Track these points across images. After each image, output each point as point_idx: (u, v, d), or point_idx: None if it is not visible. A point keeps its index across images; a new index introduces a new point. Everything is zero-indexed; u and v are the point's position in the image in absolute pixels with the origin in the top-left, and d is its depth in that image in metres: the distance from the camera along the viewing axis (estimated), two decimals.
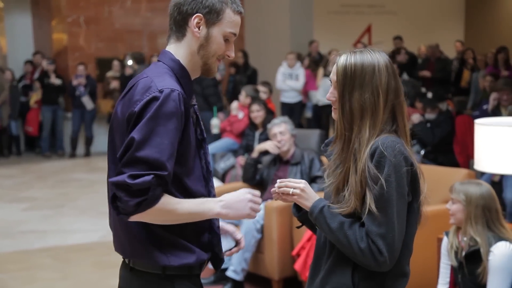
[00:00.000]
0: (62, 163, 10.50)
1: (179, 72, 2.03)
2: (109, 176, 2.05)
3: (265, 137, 6.17)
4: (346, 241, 1.93)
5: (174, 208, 1.92)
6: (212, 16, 2.00)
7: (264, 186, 5.25)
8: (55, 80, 10.98)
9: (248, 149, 6.43)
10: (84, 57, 11.90)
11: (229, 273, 4.78)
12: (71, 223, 6.88)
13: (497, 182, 5.59)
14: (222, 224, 2.21)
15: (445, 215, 3.54)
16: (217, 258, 2.12)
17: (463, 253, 3.32)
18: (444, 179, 4.42)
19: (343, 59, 2.01)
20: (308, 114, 10.28)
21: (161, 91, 1.89)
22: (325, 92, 9.38)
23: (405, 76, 10.19)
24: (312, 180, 4.90)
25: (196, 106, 2.10)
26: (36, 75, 11.38)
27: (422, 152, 6.64)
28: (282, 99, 9.77)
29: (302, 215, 2.14)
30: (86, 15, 12.13)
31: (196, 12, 1.99)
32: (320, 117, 10.09)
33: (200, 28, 2.01)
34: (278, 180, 2.11)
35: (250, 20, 12.38)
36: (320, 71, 9.82)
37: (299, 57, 10.19)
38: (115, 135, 2.01)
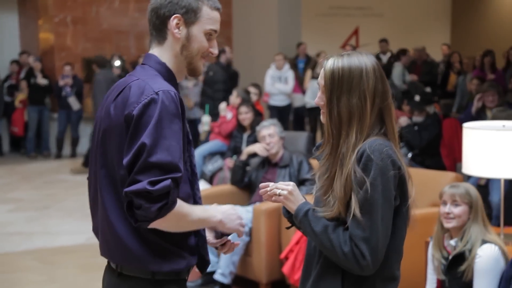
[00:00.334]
0: (47, 164, 10.43)
1: (166, 75, 2.03)
2: (97, 180, 2.03)
3: (253, 139, 6.17)
4: (330, 244, 1.92)
5: (188, 212, 1.93)
6: (190, 16, 2.01)
7: (252, 189, 5.24)
8: (41, 80, 10.90)
9: (236, 151, 6.42)
10: (71, 57, 11.82)
11: (216, 276, 4.76)
12: (57, 225, 6.83)
13: (483, 186, 5.62)
14: None
15: (433, 218, 3.54)
16: (203, 261, 2.12)
17: (450, 257, 3.32)
18: (432, 182, 4.43)
19: (330, 63, 2.00)
20: (291, 116, 10.28)
21: (157, 93, 1.89)
22: (313, 94, 9.40)
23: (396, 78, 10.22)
24: (300, 182, 4.90)
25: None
26: (22, 74, 11.30)
27: (410, 155, 6.67)
28: (271, 102, 9.74)
29: (291, 216, 2.13)
30: (73, 15, 12.06)
31: (174, 14, 2.00)
32: (302, 119, 10.11)
33: (180, 28, 2.02)
34: (269, 184, 2.10)
35: (238, 22, 12.38)
36: (308, 73, 9.82)
37: (290, 60, 10.17)
38: (108, 139, 1.98)
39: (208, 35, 2.05)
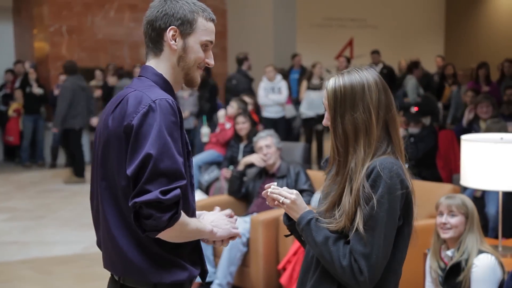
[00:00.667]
0: (42, 173, 10.39)
1: (163, 85, 2.04)
2: (99, 192, 2.03)
3: (249, 149, 6.18)
4: (329, 256, 1.93)
5: (188, 222, 1.94)
6: (186, 27, 2.03)
7: (249, 199, 5.25)
8: (36, 90, 10.89)
9: (233, 161, 6.43)
10: None
11: (214, 287, 4.76)
12: (52, 234, 6.81)
13: (479, 198, 5.64)
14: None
15: (431, 230, 3.56)
16: (202, 270, 2.13)
17: (447, 268, 3.34)
18: (430, 194, 4.45)
19: (332, 83, 2.02)
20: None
21: (155, 101, 1.90)
22: (308, 105, 9.43)
23: None
24: None
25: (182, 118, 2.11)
26: (17, 84, 11.28)
27: (406, 166, 6.69)
28: (265, 114, 9.66)
29: (291, 224, 2.14)
30: (68, 25, 12.07)
31: (170, 26, 2.02)
32: (291, 130, 10.11)
33: (176, 40, 2.04)
34: (272, 185, 2.10)
35: (233, 33, 12.42)
36: (304, 84, 9.84)
37: (281, 71, 10.15)
38: (108, 151, 1.99)
39: (204, 46, 2.07)
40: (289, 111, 9.94)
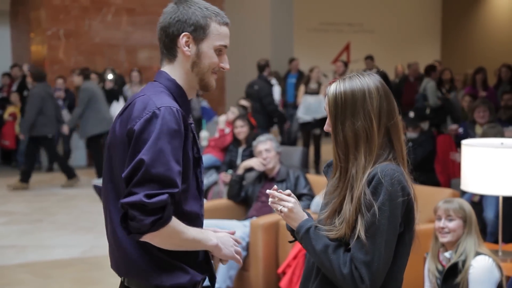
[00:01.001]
0: (39, 177, 10.37)
1: (176, 91, 2.05)
2: (107, 194, 2.05)
3: (248, 153, 6.18)
4: (329, 264, 1.93)
5: (182, 230, 1.93)
6: (199, 33, 2.03)
7: (249, 203, 5.25)
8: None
9: (231, 165, 6.43)
10: (63, 71, 11.82)
11: None
12: (50, 238, 6.79)
13: (477, 203, 5.66)
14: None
15: (431, 235, 3.57)
16: (211, 275, 2.14)
17: (445, 270, 3.35)
18: (429, 199, 4.46)
19: (333, 88, 2.01)
20: None
21: (159, 108, 1.91)
22: (305, 109, 9.43)
23: None
24: (297, 197, 4.91)
25: (193, 124, 2.11)
26: (14, 87, 11.26)
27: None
28: None
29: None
30: (65, 28, 12.06)
31: (183, 32, 2.02)
32: (282, 134, 10.10)
33: (190, 46, 2.04)
34: (273, 189, 2.10)
35: (230, 37, 12.42)
36: (301, 88, 9.85)
37: (276, 74, 10.09)
38: (113, 153, 2.01)
39: (218, 50, 2.07)
40: None
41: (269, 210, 4.89)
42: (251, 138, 6.33)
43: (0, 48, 12.61)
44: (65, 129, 9.63)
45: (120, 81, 11.08)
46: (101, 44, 12.34)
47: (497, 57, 12.65)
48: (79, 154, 11.41)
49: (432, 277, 3.43)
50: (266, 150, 5.15)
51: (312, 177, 5.35)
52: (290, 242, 2.28)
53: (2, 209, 8.20)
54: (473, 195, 5.58)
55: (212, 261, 2.14)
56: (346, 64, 11.01)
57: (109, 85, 10.75)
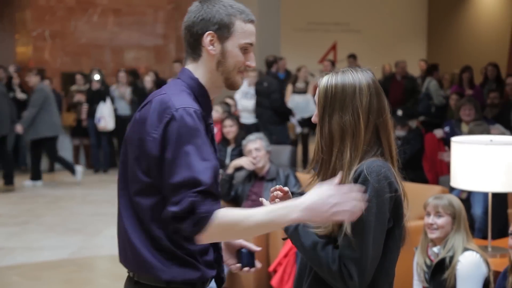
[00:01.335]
0: (25, 179, 10.29)
1: (198, 90, 2.03)
2: (119, 188, 2.05)
3: (237, 153, 6.18)
4: (318, 261, 1.93)
5: (236, 222, 1.86)
6: (223, 31, 2.02)
7: (238, 203, 5.25)
8: (20, 95, 10.80)
9: (220, 164, 6.42)
10: (49, 72, 11.75)
11: None
12: (38, 240, 6.75)
13: (465, 200, 5.70)
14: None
15: (420, 232, 3.59)
16: (219, 277, 2.13)
17: (433, 265, 3.38)
18: (419, 195, 4.47)
19: (325, 81, 2.01)
20: None
21: (177, 110, 1.90)
22: (293, 108, 9.44)
23: None
24: None
25: (212, 125, 2.10)
26: None
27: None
28: (241, 119, 9.39)
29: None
30: (51, 29, 12.01)
31: (207, 31, 2.01)
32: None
33: (214, 45, 2.02)
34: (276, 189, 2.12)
35: None
36: (289, 88, 9.85)
37: (259, 74, 10.02)
38: (128, 149, 2.02)
39: (244, 49, 2.05)
40: None
41: None
42: (240, 137, 6.33)
43: None
44: (19, 128, 9.52)
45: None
46: (87, 44, 12.30)
47: (483, 56, 12.75)
48: (64, 155, 11.32)
49: (421, 271, 3.46)
50: (256, 149, 5.15)
51: (302, 175, 5.36)
52: (284, 239, 2.28)
53: None
54: (461, 192, 5.61)
55: (222, 261, 2.12)
56: (333, 63, 11.03)
57: (95, 86, 10.70)
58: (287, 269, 4.40)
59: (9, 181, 9.36)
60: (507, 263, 3.30)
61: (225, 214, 1.85)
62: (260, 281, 4.74)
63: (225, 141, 6.56)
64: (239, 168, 5.33)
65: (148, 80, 10.45)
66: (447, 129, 6.89)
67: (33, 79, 9.83)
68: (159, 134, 1.90)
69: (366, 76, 2.01)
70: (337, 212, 1.79)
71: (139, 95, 10.06)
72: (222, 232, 1.87)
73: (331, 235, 1.94)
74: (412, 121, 7.03)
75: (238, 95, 9.29)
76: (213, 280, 2.11)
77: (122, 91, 10.86)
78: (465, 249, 3.31)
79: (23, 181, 9.77)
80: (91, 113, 10.52)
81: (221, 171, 6.29)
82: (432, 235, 3.40)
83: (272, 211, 1.86)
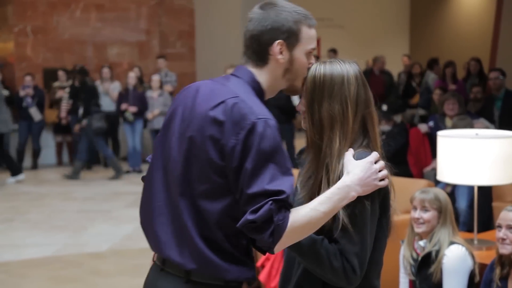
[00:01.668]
0: (8, 176, 10.22)
1: (259, 94, 2.00)
2: (176, 184, 1.97)
3: None
4: (317, 259, 1.92)
5: (306, 220, 1.85)
6: (292, 40, 1.98)
7: None
8: (2, 91, 10.70)
9: None
10: (32, 68, 11.65)
11: None
12: (23, 237, 6.70)
13: (449, 193, 5.75)
14: None
15: (406, 225, 3.62)
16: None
17: (419, 259, 3.40)
18: (405, 189, 4.50)
19: (312, 69, 2.02)
20: None
21: (259, 119, 1.86)
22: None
23: None
24: None
25: None
26: None
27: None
28: None
29: None
30: (33, 25, 11.90)
31: (276, 40, 1.97)
32: None
33: (283, 53, 1.99)
34: None
35: (201, 32, 12.40)
36: None
37: None
38: (194, 146, 1.93)
39: (308, 53, 2.03)
40: None
41: None
42: None
43: None
44: None
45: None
46: (69, 40, 12.21)
47: (465, 51, 12.83)
48: (48, 152, 11.27)
49: (407, 264, 3.48)
50: None
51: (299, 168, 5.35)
52: None
53: None
54: (446, 186, 5.66)
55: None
56: (317, 58, 11.01)
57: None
58: (274, 264, 4.41)
59: None
60: (493, 255, 3.34)
61: (295, 219, 1.84)
62: None
63: None
64: None
65: (132, 76, 10.40)
66: (431, 123, 6.94)
67: None
68: (240, 140, 1.84)
69: (354, 68, 2.04)
70: (378, 178, 1.92)
71: (87, 92, 9.91)
72: (296, 234, 1.86)
73: (324, 228, 1.94)
74: (397, 115, 7.07)
75: None
76: None
77: (107, 87, 10.81)
78: (451, 243, 3.34)
79: (6, 179, 9.70)
80: (75, 109, 10.45)
81: None
82: (419, 229, 3.43)
83: (330, 198, 1.88)
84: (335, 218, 1.91)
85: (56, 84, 11.24)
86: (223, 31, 11.68)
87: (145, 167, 10.66)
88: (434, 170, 6.10)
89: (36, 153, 11.00)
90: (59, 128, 11.11)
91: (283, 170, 1.85)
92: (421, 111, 9.43)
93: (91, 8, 12.26)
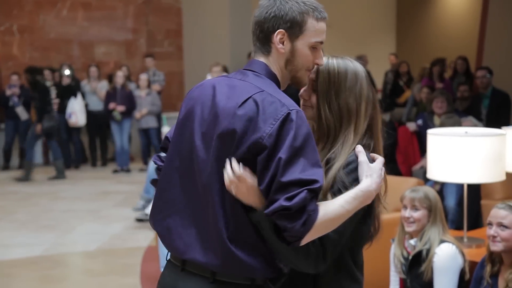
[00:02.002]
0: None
1: (278, 86, 1.99)
2: (209, 181, 1.91)
3: None
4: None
5: (336, 214, 1.85)
6: (295, 30, 1.95)
7: None
8: None
9: None
10: (18, 67, 11.56)
11: None
12: (11, 237, 6.66)
13: (438, 192, 5.77)
14: None
15: (396, 224, 3.63)
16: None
17: (410, 257, 3.42)
18: (395, 188, 4.51)
19: (325, 61, 2.03)
20: None
21: (291, 110, 1.84)
22: None
23: None
24: None
25: None
26: None
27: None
28: None
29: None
30: (19, 24, 11.82)
31: (278, 29, 1.95)
32: None
33: (284, 43, 1.97)
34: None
35: (189, 31, 12.37)
36: None
37: (224, 69, 9.91)
38: (222, 145, 1.88)
39: (313, 47, 1.99)
40: None
41: None
42: None
43: None
44: None
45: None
46: (56, 39, 12.13)
47: (452, 50, 12.89)
48: (35, 152, 11.18)
49: (398, 262, 3.50)
50: None
51: None
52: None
53: None
54: (434, 184, 5.69)
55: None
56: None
57: (66, 81, 10.59)
58: None
59: None
60: (483, 253, 3.36)
61: (325, 212, 1.83)
62: None
63: None
64: None
65: (120, 75, 10.36)
66: (419, 122, 6.97)
67: None
68: (274, 131, 1.82)
69: (362, 67, 2.06)
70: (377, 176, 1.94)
71: (41, 92, 9.83)
72: (323, 229, 1.84)
73: None
74: (386, 114, 7.10)
75: None
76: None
77: (94, 86, 10.77)
78: (442, 241, 3.35)
79: None
80: (62, 108, 10.39)
81: None
82: (409, 228, 3.44)
83: (356, 199, 1.88)
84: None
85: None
86: (211, 30, 11.66)
87: (133, 167, 10.68)
88: (423, 168, 6.15)
89: (23, 153, 10.93)
90: None
91: (314, 161, 1.83)
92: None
93: (77, 7, 12.19)
